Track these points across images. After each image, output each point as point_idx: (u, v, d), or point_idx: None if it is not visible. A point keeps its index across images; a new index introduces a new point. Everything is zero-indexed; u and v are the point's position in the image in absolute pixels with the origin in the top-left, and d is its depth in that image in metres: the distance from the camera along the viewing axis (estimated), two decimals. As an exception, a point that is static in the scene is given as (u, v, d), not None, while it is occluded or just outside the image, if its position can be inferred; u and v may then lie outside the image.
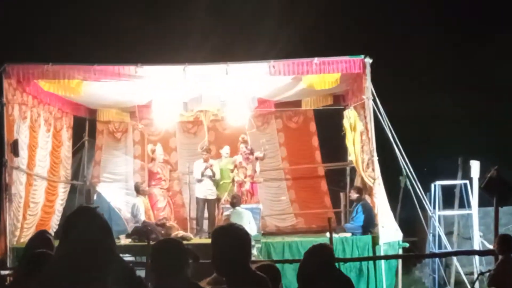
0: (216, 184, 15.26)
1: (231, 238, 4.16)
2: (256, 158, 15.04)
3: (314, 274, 5.42)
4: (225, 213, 13.60)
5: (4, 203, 12.50)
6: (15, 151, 12.67)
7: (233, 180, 15.00)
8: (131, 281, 3.66)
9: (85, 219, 3.64)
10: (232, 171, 15.03)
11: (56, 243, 5.56)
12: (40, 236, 5.76)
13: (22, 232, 13.26)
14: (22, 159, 13.26)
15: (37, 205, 14.26)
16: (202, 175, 15.00)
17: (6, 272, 10.05)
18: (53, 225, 15.09)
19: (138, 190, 14.80)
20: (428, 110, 18.85)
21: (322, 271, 5.40)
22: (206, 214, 15.30)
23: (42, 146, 14.50)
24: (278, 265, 11.50)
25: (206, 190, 15.15)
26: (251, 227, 12.64)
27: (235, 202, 13.40)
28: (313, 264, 5.48)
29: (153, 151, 15.65)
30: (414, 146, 15.32)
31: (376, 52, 13.70)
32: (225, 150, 15.62)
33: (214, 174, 15.08)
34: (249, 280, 4.13)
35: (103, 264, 3.41)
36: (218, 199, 15.25)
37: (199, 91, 14.46)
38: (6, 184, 12.56)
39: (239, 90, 14.40)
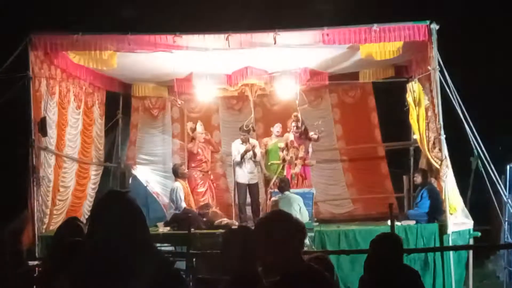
0: (264, 166, 15.28)
1: (280, 228, 4.13)
2: (310, 139, 14.95)
3: (381, 264, 5.47)
4: (273, 198, 13.59)
5: (32, 188, 12.63)
6: (43, 130, 12.79)
7: (283, 160, 14.94)
8: (169, 275, 3.63)
9: (115, 205, 3.61)
10: (282, 150, 14.96)
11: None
12: (70, 224, 5.81)
13: (51, 219, 13.44)
14: (51, 139, 13.42)
15: (67, 190, 14.43)
16: (242, 158, 15.00)
17: (35, 262, 10.24)
18: (85, 211, 15.25)
19: (176, 173, 14.84)
20: (505, 82, 18.49)
21: (389, 261, 5.43)
22: (249, 200, 15.35)
23: (72, 125, 14.66)
24: (333, 257, 11.58)
25: (248, 174, 15.19)
26: (302, 214, 12.63)
27: (283, 186, 13.34)
28: (380, 254, 5.52)
29: (192, 130, 15.68)
30: (487, 123, 15.07)
31: (444, 16, 13.48)
32: (276, 128, 15.59)
33: (255, 155, 15.08)
34: (303, 274, 4.11)
35: (136, 256, 3.40)
36: (267, 182, 15.25)
37: (244, 63, 14.46)
38: (34, 166, 12.67)
39: (288, 61, 14.35)
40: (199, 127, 15.67)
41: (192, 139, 15.70)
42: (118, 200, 3.69)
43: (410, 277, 5.54)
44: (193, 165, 15.56)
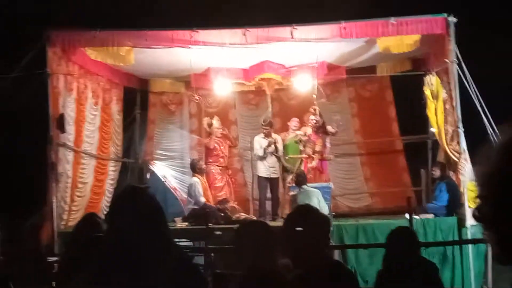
0: (284, 160, 15.28)
1: (311, 222, 4.13)
2: (327, 133, 14.90)
3: (397, 259, 5.49)
4: (291, 192, 13.57)
5: (50, 184, 12.72)
6: (61, 127, 12.85)
7: (301, 151, 14.91)
8: (187, 270, 3.63)
9: (135, 200, 3.59)
10: (303, 144, 14.89)
11: (105, 226, 5.65)
12: (88, 220, 5.82)
13: (70, 215, 13.50)
14: (69, 135, 13.48)
15: (86, 186, 14.50)
16: (265, 152, 14.99)
17: (54, 258, 10.27)
18: (103, 207, 15.29)
19: (194, 169, 14.85)
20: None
21: (406, 255, 5.45)
22: (269, 195, 15.33)
23: (90, 121, 14.71)
24: (351, 251, 11.58)
25: (269, 168, 15.15)
26: (321, 208, 12.59)
27: (300, 180, 13.31)
28: (396, 248, 5.54)
29: (209, 125, 15.68)
30: (506, 116, 14.96)
31: (462, 9, 13.40)
32: (293, 122, 15.60)
33: (277, 150, 15.07)
34: (328, 269, 4.10)
35: (155, 251, 3.40)
36: (284, 177, 15.27)
37: (261, 57, 14.45)
38: (52, 162, 12.74)
39: (306, 55, 14.31)
40: (216, 122, 15.67)
41: (209, 134, 15.70)
42: (137, 195, 3.67)
43: (427, 270, 5.55)
44: (210, 160, 15.55)
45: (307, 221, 4.13)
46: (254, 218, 13.95)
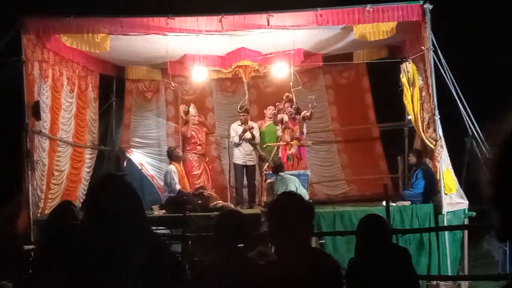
0: (259, 147, 15.29)
1: (296, 210, 4.13)
2: (304, 118, 14.90)
3: (367, 246, 5.50)
4: (269, 180, 13.57)
5: (26, 172, 12.62)
6: (37, 114, 12.75)
7: (279, 137, 14.93)
8: (165, 258, 3.60)
9: (112, 188, 3.55)
10: (281, 129, 14.87)
11: (81, 215, 5.62)
12: (63, 208, 5.79)
13: (46, 203, 13.43)
14: (44, 123, 13.39)
15: (62, 174, 14.43)
16: (241, 138, 15.00)
17: (30, 246, 10.22)
18: (80, 195, 15.26)
19: (171, 156, 14.82)
20: (499, 62, 18.44)
21: (377, 243, 5.45)
22: (246, 182, 15.34)
23: (65, 108, 14.63)
24: (329, 238, 11.60)
25: (245, 156, 15.17)
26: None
27: (277, 167, 13.30)
28: (367, 237, 5.55)
29: (186, 113, 15.66)
30: (482, 103, 15.03)
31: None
32: (268, 111, 15.62)
33: (253, 138, 15.07)
34: (312, 257, 4.09)
35: (133, 240, 3.37)
36: (260, 165, 15.28)
37: (237, 44, 14.41)
38: (28, 150, 12.65)
39: (282, 43, 14.29)
40: (192, 110, 15.66)
41: (186, 122, 15.67)
42: (115, 183, 3.65)
43: (398, 257, 5.55)
44: (188, 148, 15.54)
45: (291, 208, 4.11)
46: (231, 205, 13.97)
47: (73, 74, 15.01)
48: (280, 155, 14.71)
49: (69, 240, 4.59)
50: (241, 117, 15.14)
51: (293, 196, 4.38)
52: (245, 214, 4.88)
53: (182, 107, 15.93)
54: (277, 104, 15.44)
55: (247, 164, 15.20)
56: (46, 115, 13.44)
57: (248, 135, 15.01)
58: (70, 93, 14.87)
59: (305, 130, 15.02)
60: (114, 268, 3.28)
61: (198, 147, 15.56)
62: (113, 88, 17.68)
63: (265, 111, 15.81)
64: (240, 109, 15.22)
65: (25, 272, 6.90)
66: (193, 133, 15.52)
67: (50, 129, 13.75)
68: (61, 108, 14.36)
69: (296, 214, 4.06)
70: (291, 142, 14.61)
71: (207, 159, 16.12)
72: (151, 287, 3.36)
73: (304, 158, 15.06)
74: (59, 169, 14.25)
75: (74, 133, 15.10)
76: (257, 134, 15.16)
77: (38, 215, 12.80)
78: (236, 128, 15.20)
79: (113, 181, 3.69)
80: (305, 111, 14.91)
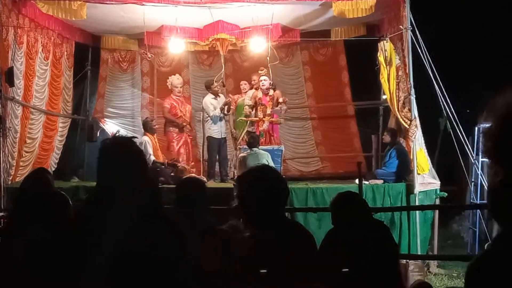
0: (232, 122, 15.32)
1: (270, 182, 4.13)
2: (277, 101, 14.89)
3: (344, 221, 5.54)
4: (241, 154, 13.58)
5: (-2, 138, 12.57)
6: (10, 80, 12.66)
7: (246, 116, 14.94)
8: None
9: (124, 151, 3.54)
10: (251, 107, 14.90)
11: (55, 183, 5.62)
12: (38, 175, 5.77)
13: (17, 170, 13.41)
14: (18, 90, 13.29)
15: (34, 141, 14.37)
16: (222, 110, 14.99)
17: (0, 213, 10.19)
18: (52, 163, 15.23)
19: (146, 128, 14.75)
20: (476, 43, 18.56)
21: (355, 220, 5.49)
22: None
23: (39, 76, 14.54)
24: (300, 214, 11.66)
25: (221, 129, 15.20)
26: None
27: (252, 142, 13.31)
28: (341, 213, 5.59)
29: (170, 83, 15.62)
30: (458, 85, 15.15)
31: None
32: (243, 85, 15.63)
33: (229, 110, 15.12)
34: (286, 228, 4.11)
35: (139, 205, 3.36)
36: (234, 138, 15.30)
37: (215, 17, 14.36)
38: (0, 117, 12.59)
39: (260, 17, 14.25)
40: (176, 80, 15.57)
41: (170, 92, 15.63)
42: (127, 146, 3.60)
43: (376, 228, 5.60)
44: (170, 119, 15.44)
45: (263, 181, 4.11)
46: (204, 178, 13.95)
47: (48, 42, 14.90)
48: (254, 130, 14.72)
49: (46, 208, 4.60)
50: (217, 89, 15.14)
51: (266, 170, 4.39)
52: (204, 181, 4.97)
53: (171, 78, 15.78)
54: (253, 80, 15.36)
55: (222, 136, 15.22)
56: (19, 81, 13.34)
57: (226, 108, 14.99)
58: (45, 60, 14.77)
59: (279, 108, 15.00)
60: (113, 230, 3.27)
61: (179, 119, 15.42)
62: (89, 57, 17.55)
63: (241, 85, 15.80)
64: (215, 82, 15.19)
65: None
66: (173, 103, 15.43)
67: (24, 96, 13.68)
68: (35, 75, 14.27)
69: (268, 187, 4.07)
70: (264, 119, 14.63)
71: (190, 131, 15.93)
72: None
73: (276, 135, 15.11)
74: (32, 136, 14.19)
75: (47, 101, 15.02)
76: (232, 107, 15.18)
77: (9, 183, 12.76)
78: (211, 102, 15.16)
79: (125, 144, 3.64)
80: (282, 99, 14.91)
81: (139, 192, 3.38)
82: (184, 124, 15.45)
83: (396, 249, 5.57)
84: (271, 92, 14.81)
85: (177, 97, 15.56)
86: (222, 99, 15.20)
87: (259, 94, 14.83)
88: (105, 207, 3.33)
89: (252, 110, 14.89)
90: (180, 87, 15.62)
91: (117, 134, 12.85)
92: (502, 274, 2.02)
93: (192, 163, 15.39)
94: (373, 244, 5.21)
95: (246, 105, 14.96)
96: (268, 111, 14.68)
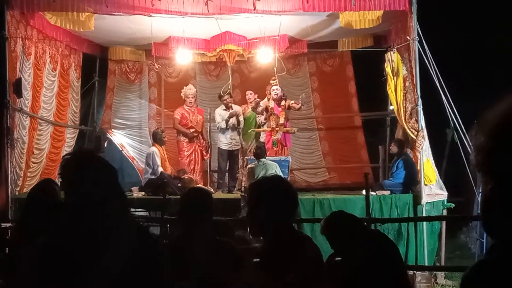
0: (241, 133, 15.30)
1: (281, 192, 4.06)
2: (289, 107, 14.90)
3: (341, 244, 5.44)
4: (249, 165, 13.58)
5: (6, 149, 12.57)
6: (18, 91, 12.68)
7: (258, 126, 14.95)
8: (144, 241, 3.55)
9: (91, 165, 3.45)
10: (262, 115, 14.86)
11: (62, 194, 5.62)
12: (45, 186, 5.77)
13: (25, 181, 13.40)
14: (26, 101, 13.32)
15: (42, 152, 14.40)
16: (227, 124, 14.95)
17: (7, 224, 10.19)
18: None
19: (155, 138, 14.68)
20: (483, 54, 18.55)
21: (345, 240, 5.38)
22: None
23: (47, 87, 14.58)
24: (307, 225, 11.64)
25: (231, 141, 15.15)
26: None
27: (259, 153, 13.30)
28: (334, 236, 5.50)
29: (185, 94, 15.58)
30: (465, 95, 15.12)
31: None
32: (248, 95, 15.64)
33: (239, 123, 15.06)
34: (292, 241, 4.06)
35: (110, 223, 3.33)
36: (244, 150, 15.29)
37: (223, 28, 14.38)
38: (8, 127, 12.56)
39: (267, 28, 14.28)
40: (188, 90, 15.50)
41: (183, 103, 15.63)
42: (94, 160, 3.53)
43: (374, 244, 5.44)
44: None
45: (274, 191, 4.07)
46: (212, 189, 13.94)
47: (56, 53, 14.95)
48: (265, 140, 14.72)
49: (52, 219, 4.59)
50: (227, 100, 15.09)
51: (277, 180, 4.35)
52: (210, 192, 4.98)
53: (184, 89, 15.73)
54: (257, 99, 15.35)
55: (232, 149, 15.18)
56: (27, 92, 13.38)
57: (233, 120, 14.96)
58: (53, 71, 14.81)
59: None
60: (93, 251, 3.25)
61: (190, 129, 15.35)
62: (96, 68, 17.62)
63: (247, 96, 15.80)
64: (222, 92, 15.19)
65: (2, 249, 6.90)
66: (185, 113, 15.40)
67: (31, 107, 13.71)
68: (43, 86, 14.31)
69: (279, 198, 4.04)
70: (276, 128, 14.62)
71: (201, 142, 15.90)
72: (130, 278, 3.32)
73: (289, 145, 15.11)
74: (39, 147, 14.22)
75: (55, 112, 15.06)
76: (241, 119, 15.14)
77: (17, 193, 12.76)
78: (221, 113, 15.13)
79: (89, 159, 3.56)
80: (293, 102, 14.92)
81: (107, 203, 3.35)
82: (195, 134, 15.40)
83: (398, 257, 5.40)
84: (282, 102, 14.80)
85: (189, 107, 15.49)
86: (235, 111, 15.12)
87: (271, 103, 14.82)
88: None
89: (262, 115, 14.88)
90: (192, 97, 15.54)
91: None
92: (495, 284, 2.03)
93: (201, 173, 15.35)
94: (374, 259, 5.09)
95: (255, 116, 14.98)
96: (281, 120, 14.68)
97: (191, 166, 15.15)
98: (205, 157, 15.80)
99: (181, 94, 15.72)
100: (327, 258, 5.53)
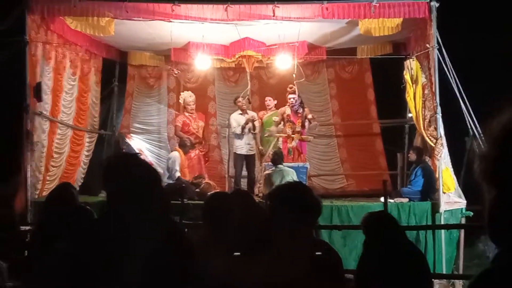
0: (260, 139, 15.28)
1: (303, 200, 4.07)
2: (306, 118, 14.85)
3: (378, 243, 5.34)
4: (266, 171, 13.56)
5: (25, 153, 12.64)
6: (38, 95, 12.77)
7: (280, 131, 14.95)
8: (178, 243, 3.54)
9: (130, 168, 3.49)
10: (276, 124, 14.87)
11: (80, 198, 5.64)
12: (63, 190, 5.79)
13: (44, 184, 13.47)
14: (45, 105, 13.40)
15: (61, 156, 14.46)
16: (243, 130, 14.96)
17: (27, 227, 10.24)
18: (78, 178, 15.30)
19: (182, 145, 14.70)
20: (503, 61, 18.43)
21: (386, 241, 5.29)
22: (244, 172, 15.32)
23: (67, 91, 14.65)
24: (325, 232, 11.61)
25: (246, 145, 15.13)
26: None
27: (276, 158, 13.26)
28: (376, 234, 5.41)
29: (183, 101, 15.64)
30: (484, 103, 15.03)
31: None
32: (266, 101, 15.65)
33: (254, 128, 15.05)
34: (314, 249, 4.05)
35: (149, 226, 3.32)
36: (261, 155, 15.26)
37: (242, 34, 14.40)
38: (28, 131, 12.66)
39: (287, 34, 14.28)
40: (188, 97, 15.57)
41: (184, 109, 15.68)
42: (135, 163, 3.58)
43: (413, 257, 5.36)
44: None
45: (296, 198, 4.04)
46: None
47: (76, 57, 15.00)
48: (281, 147, 14.70)
49: (72, 222, 4.60)
50: (240, 104, 15.14)
51: (299, 187, 4.31)
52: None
53: (183, 94, 15.88)
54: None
55: (248, 153, 15.17)
56: (47, 96, 13.46)
57: (249, 126, 14.95)
58: (73, 76, 14.88)
59: (306, 124, 14.98)
60: (129, 249, 3.27)
61: (191, 136, 15.29)
62: (116, 73, 17.69)
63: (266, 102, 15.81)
64: (242, 97, 15.19)
65: (21, 252, 6.93)
66: (186, 120, 15.44)
67: (51, 111, 13.78)
68: (63, 90, 14.39)
69: (300, 205, 4.00)
70: (293, 136, 14.59)
71: (204, 148, 15.95)
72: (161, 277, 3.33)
73: (304, 152, 15.04)
74: (59, 151, 14.29)
75: (75, 116, 15.14)
76: (257, 124, 15.13)
77: (36, 197, 12.84)
78: (236, 118, 15.13)
79: (132, 160, 3.63)
80: (311, 116, 14.87)
81: (150, 206, 3.36)
82: (197, 140, 15.42)
83: (429, 276, 5.31)
84: (300, 109, 14.76)
85: (190, 114, 15.55)
86: (251, 117, 15.11)
87: (287, 110, 14.80)
88: (117, 221, 3.35)
89: (279, 125, 14.85)
90: (193, 104, 15.59)
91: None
92: None
93: (210, 179, 15.30)
94: (406, 272, 5.02)
95: (274, 121, 14.95)
96: (298, 128, 14.64)
97: (192, 172, 15.08)
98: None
99: (180, 101, 15.80)
100: (359, 262, 5.47)
